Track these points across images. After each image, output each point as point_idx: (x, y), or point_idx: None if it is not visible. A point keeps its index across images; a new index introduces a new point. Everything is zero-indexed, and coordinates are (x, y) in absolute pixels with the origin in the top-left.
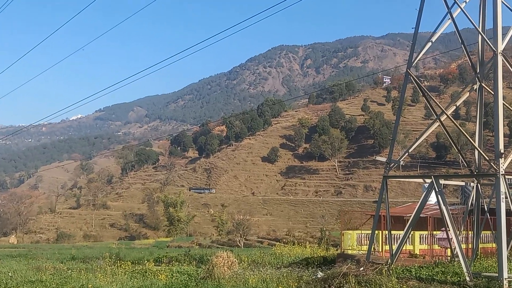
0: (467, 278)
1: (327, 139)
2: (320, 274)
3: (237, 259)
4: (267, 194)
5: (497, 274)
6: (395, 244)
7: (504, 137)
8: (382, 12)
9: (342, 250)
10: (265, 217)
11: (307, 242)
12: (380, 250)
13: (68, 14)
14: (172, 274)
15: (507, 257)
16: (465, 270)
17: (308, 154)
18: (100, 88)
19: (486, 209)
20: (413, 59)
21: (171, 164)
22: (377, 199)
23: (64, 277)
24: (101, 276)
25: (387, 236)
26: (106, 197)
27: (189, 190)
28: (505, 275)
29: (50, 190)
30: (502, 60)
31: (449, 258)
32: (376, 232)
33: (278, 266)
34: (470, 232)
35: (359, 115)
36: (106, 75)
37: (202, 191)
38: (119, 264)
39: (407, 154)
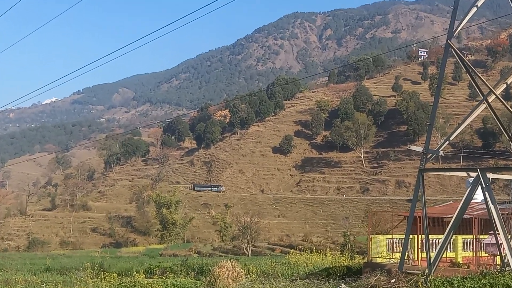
0: None
1: (351, 126)
2: (343, 287)
3: (244, 270)
4: (279, 192)
5: None
6: (434, 250)
7: None
8: None
9: (370, 258)
10: (277, 219)
11: (328, 249)
12: (416, 258)
13: None
14: None
15: None
16: None
17: (328, 143)
18: (78, 66)
19: None
20: (454, 28)
21: (164, 156)
22: (412, 197)
23: None
24: None
25: (423, 241)
26: (86, 197)
27: (192, 189)
28: None
29: (20, 188)
30: None
31: (498, 267)
32: (411, 236)
33: (293, 278)
34: None
35: (389, 96)
36: (86, 49)
37: (208, 189)
38: (103, 277)
39: (447, 142)
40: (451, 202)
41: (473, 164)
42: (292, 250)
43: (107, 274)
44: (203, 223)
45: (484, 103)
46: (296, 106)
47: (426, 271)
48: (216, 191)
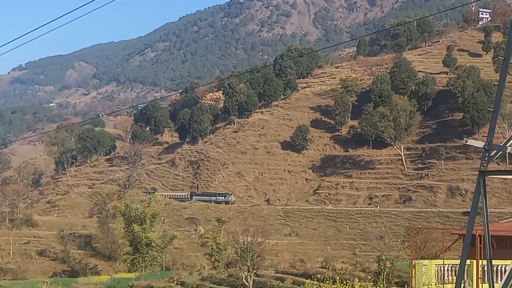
0: None
1: (387, 113)
2: None
3: None
4: (291, 202)
5: None
6: (499, 281)
7: None
8: None
9: None
10: (288, 239)
11: (356, 279)
12: None
13: None
14: None
15: None
16: None
17: (356, 137)
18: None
19: None
20: None
21: (135, 154)
22: (469, 209)
23: None
24: None
25: (485, 268)
26: (31, 209)
27: (189, 198)
28: None
29: None
30: None
31: None
32: (468, 262)
33: None
34: None
35: (439, 73)
36: (30, 11)
37: (212, 198)
38: None
39: None
40: None
41: None
42: (308, 281)
43: None
44: (188, 244)
45: None
46: (313, 86)
47: None
48: (222, 202)
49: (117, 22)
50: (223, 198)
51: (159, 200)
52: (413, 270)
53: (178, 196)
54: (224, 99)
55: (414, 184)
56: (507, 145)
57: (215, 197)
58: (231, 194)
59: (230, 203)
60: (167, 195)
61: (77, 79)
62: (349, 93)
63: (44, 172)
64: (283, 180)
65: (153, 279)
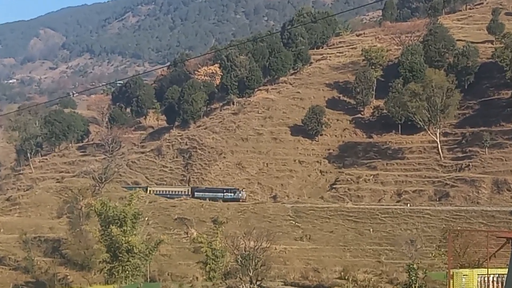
0: None
1: (420, 91)
2: None
3: None
4: (303, 199)
5: None
6: None
7: None
8: None
9: None
10: (299, 243)
11: None
12: None
13: None
14: None
15: None
16: None
17: (382, 120)
18: None
19: None
20: None
21: (113, 141)
22: None
23: None
24: None
25: None
26: None
27: (190, 195)
28: None
29: None
30: None
31: None
32: None
33: None
34: None
35: (483, 42)
36: None
37: (219, 195)
38: None
39: None
40: None
41: None
42: None
43: None
44: (178, 250)
45: None
46: (329, 58)
47: None
48: (233, 197)
49: None
50: (233, 194)
51: (143, 197)
52: (451, 282)
53: (176, 192)
54: (221, 74)
55: (453, 177)
56: None
57: (222, 194)
58: (242, 190)
59: (241, 200)
60: (161, 191)
61: (42, 50)
62: (373, 67)
63: (3, 163)
64: (293, 173)
65: None
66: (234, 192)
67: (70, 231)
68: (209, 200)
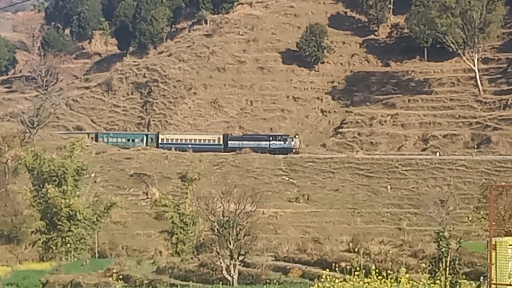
0: None
1: (452, 2)
2: None
3: None
4: (299, 147)
5: None
6: None
7: None
8: None
9: (491, 284)
10: (295, 205)
11: (403, 269)
12: None
13: None
14: None
15: None
16: None
17: (402, 42)
18: None
19: None
20: None
21: (48, 72)
22: None
23: None
24: None
25: None
26: None
27: (222, 144)
28: None
29: None
30: None
31: None
32: None
33: None
34: None
35: None
36: None
37: (264, 143)
38: None
39: None
40: None
41: None
42: (327, 272)
43: None
44: (135, 217)
45: None
46: None
47: None
48: (283, 149)
49: None
50: (282, 143)
51: (88, 146)
52: (493, 254)
53: (204, 142)
54: None
55: (495, 117)
56: None
57: (268, 142)
58: (295, 137)
59: (293, 151)
60: (177, 140)
61: None
62: None
63: None
64: (285, 113)
65: (80, 272)
66: (285, 140)
67: None
68: (247, 152)
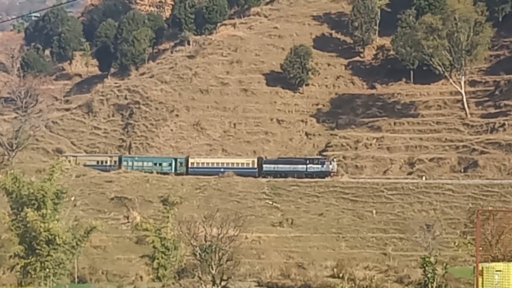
0: None
1: (439, 24)
2: None
3: None
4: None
5: None
6: None
7: None
8: None
9: None
10: (278, 230)
11: None
12: None
13: None
14: None
15: None
16: None
17: (388, 64)
18: None
19: None
20: None
21: (27, 93)
22: None
23: None
24: None
25: None
26: None
27: (256, 168)
28: None
29: None
30: None
31: None
32: None
33: None
34: None
35: None
36: None
37: (298, 167)
38: None
39: None
40: None
41: None
42: None
43: None
44: (115, 241)
45: None
46: None
47: None
48: (320, 173)
49: None
50: (320, 166)
51: (68, 169)
52: (480, 279)
53: (238, 165)
54: (173, 3)
55: (482, 140)
56: None
57: (305, 165)
58: (334, 160)
59: (332, 174)
60: (206, 164)
61: None
62: None
63: None
64: (269, 136)
65: None
66: (322, 163)
67: None
68: (279, 177)
